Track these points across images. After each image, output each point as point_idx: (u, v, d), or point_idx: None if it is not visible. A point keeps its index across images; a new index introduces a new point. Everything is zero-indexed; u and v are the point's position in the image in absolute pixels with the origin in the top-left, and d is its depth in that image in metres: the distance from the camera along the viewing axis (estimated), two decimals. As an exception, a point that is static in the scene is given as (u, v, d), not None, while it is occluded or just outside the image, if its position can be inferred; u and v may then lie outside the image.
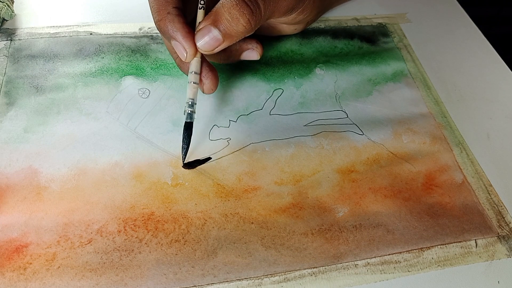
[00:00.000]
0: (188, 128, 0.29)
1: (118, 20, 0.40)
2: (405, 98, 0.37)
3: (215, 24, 0.26)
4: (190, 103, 0.29)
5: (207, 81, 0.30)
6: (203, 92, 0.31)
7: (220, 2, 0.27)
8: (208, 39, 0.27)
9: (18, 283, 0.25)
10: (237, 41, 0.28)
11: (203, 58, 0.29)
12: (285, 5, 0.30)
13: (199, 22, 0.28)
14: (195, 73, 0.29)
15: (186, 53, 0.27)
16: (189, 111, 0.29)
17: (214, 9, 0.27)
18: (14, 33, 0.37)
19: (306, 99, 0.36)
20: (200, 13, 0.28)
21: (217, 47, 0.27)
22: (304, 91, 0.36)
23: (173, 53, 0.31)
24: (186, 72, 0.31)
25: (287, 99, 0.36)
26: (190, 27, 0.27)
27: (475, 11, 0.48)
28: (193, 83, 0.29)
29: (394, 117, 0.36)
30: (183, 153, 0.30)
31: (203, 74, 0.29)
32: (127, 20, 0.40)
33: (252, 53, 0.31)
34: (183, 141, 0.29)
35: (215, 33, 0.26)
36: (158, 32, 0.39)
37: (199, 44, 0.27)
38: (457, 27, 0.45)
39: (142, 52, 0.37)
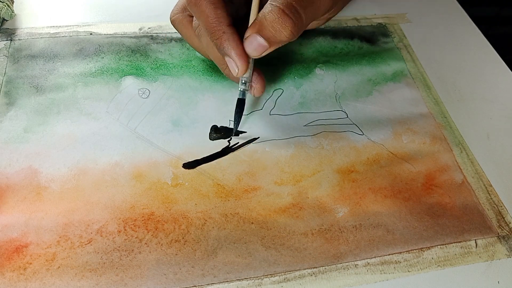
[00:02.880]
0: (240, 104, 0.32)
1: (118, 20, 0.40)
2: (405, 98, 0.37)
3: (260, 33, 0.28)
4: (243, 81, 0.31)
5: (257, 86, 0.32)
6: (253, 95, 0.33)
7: (263, 13, 0.28)
8: (256, 46, 0.28)
9: (18, 283, 0.25)
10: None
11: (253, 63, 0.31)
12: (323, 8, 0.30)
13: (247, 30, 0.29)
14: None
15: (238, 69, 0.29)
16: (241, 88, 0.31)
17: (258, 19, 0.28)
18: (14, 33, 0.37)
19: (306, 99, 0.36)
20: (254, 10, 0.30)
21: (264, 52, 0.29)
22: (304, 91, 0.36)
23: (221, 64, 0.32)
24: (232, 79, 0.33)
25: (287, 99, 0.36)
26: (243, 46, 0.29)
27: (475, 11, 0.48)
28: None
29: (394, 117, 0.36)
30: (235, 126, 0.32)
31: (253, 79, 0.32)
32: (127, 20, 0.40)
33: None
34: (234, 117, 0.32)
35: (260, 40, 0.28)
36: (159, 32, 0.39)
37: (248, 50, 0.29)
38: (457, 27, 0.45)
39: (142, 52, 0.37)
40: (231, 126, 0.33)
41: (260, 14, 0.28)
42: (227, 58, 0.29)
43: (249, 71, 0.31)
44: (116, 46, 0.37)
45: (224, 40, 0.28)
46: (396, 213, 0.30)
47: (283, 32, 0.28)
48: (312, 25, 0.37)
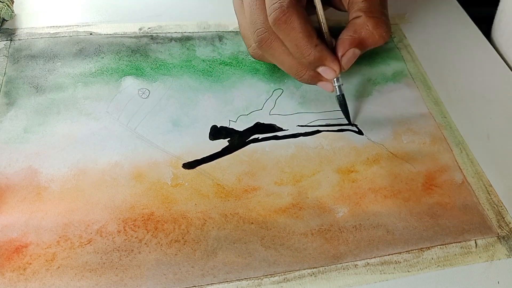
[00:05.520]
0: (342, 101, 0.34)
1: (118, 20, 0.40)
2: (405, 98, 0.37)
3: (358, 46, 0.30)
4: (336, 78, 0.32)
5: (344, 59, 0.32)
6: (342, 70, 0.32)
7: (359, 21, 0.29)
8: (352, 59, 0.31)
9: (18, 283, 0.25)
10: None
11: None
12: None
13: (342, 45, 0.30)
14: None
15: (334, 74, 0.31)
16: (337, 85, 0.33)
17: (355, 29, 0.30)
18: (14, 33, 0.37)
19: (306, 99, 0.36)
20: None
21: (354, 60, 0.31)
22: (304, 91, 0.36)
23: (300, 70, 0.32)
24: (311, 83, 0.33)
25: (287, 99, 0.36)
26: (333, 52, 0.30)
27: (475, 11, 0.48)
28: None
29: (394, 117, 0.36)
30: (348, 120, 0.34)
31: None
32: (127, 20, 0.40)
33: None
34: (343, 113, 0.34)
35: (356, 52, 0.30)
36: (159, 32, 0.39)
37: (344, 64, 0.31)
38: (457, 27, 0.45)
39: (142, 52, 0.37)
40: (231, 126, 0.33)
41: (355, 25, 0.30)
42: (321, 69, 0.30)
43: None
44: (116, 46, 0.37)
45: (318, 52, 0.29)
46: (396, 213, 0.30)
47: (385, 37, 0.29)
48: None
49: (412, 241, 0.28)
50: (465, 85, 0.39)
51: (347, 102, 0.34)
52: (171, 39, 0.39)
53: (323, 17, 0.31)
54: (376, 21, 0.29)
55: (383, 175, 0.32)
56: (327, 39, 0.32)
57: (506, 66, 0.41)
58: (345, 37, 0.30)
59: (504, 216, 0.30)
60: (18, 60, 0.35)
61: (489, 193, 0.32)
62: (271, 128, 0.34)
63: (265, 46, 0.31)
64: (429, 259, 0.28)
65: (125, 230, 0.27)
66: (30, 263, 0.25)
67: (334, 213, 0.29)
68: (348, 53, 0.30)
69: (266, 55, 0.32)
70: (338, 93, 0.33)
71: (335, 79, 0.32)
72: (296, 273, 0.27)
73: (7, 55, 0.35)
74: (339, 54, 0.30)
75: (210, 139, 0.32)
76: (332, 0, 0.34)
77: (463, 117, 0.36)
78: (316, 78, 0.32)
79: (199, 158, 0.31)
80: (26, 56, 0.36)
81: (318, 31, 0.31)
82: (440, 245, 0.29)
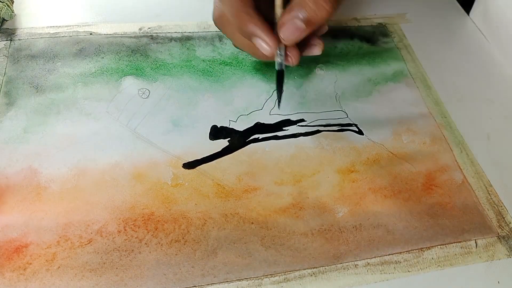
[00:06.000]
0: (279, 76, 0.31)
1: (118, 20, 0.40)
2: (405, 98, 0.37)
3: (299, 14, 0.28)
4: (279, 52, 0.30)
5: (293, 52, 0.31)
6: (291, 65, 0.31)
7: None
8: (293, 30, 0.28)
9: (18, 283, 0.25)
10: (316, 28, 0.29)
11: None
12: None
13: (282, 15, 0.29)
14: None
15: (269, 47, 0.29)
16: (278, 60, 0.30)
17: (296, 1, 0.28)
18: (14, 33, 0.37)
19: (306, 99, 0.36)
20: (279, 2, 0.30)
21: (300, 36, 0.29)
22: (304, 91, 0.36)
23: (250, 50, 0.32)
24: (265, 58, 0.32)
25: (287, 99, 0.36)
26: (269, 24, 0.29)
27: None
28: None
29: (394, 117, 0.36)
30: (278, 99, 0.32)
31: (287, 49, 0.31)
32: (127, 20, 0.40)
33: (315, 48, 0.32)
34: (277, 90, 0.32)
35: (298, 23, 0.28)
36: (159, 32, 0.39)
37: (284, 35, 0.29)
38: (457, 27, 0.45)
39: (142, 52, 0.37)
40: (231, 126, 0.33)
41: None
42: (255, 39, 0.29)
43: (282, 45, 0.30)
44: (116, 46, 0.37)
45: (248, 21, 0.28)
46: (396, 213, 0.30)
47: (325, 6, 0.28)
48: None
49: (412, 241, 0.28)
50: (465, 85, 0.39)
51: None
52: (171, 39, 0.39)
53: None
54: None
55: (383, 175, 0.32)
56: (278, 15, 0.30)
57: (506, 66, 0.41)
58: (287, 8, 0.29)
59: (504, 216, 0.30)
60: (18, 60, 0.35)
61: (489, 193, 0.32)
62: (271, 128, 0.34)
63: (219, 23, 0.32)
64: (429, 259, 0.28)
65: (125, 230, 0.27)
66: (30, 263, 0.25)
67: (334, 213, 0.29)
68: (288, 23, 0.28)
69: (224, 33, 0.33)
70: (277, 67, 0.31)
71: (278, 52, 0.30)
72: (296, 273, 0.27)
73: (7, 55, 0.35)
74: (279, 24, 0.29)
75: (210, 139, 0.32)
76: None
77: (463, 117, 0.36)
78: (261, 58, 0.32)
79: (199, 158, 0.31)
80: (26, 56, 0.36)
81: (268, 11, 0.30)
82: (440, 245, 0.29)
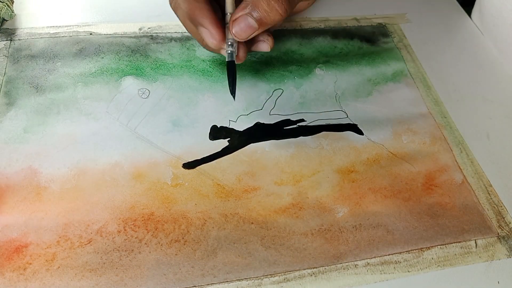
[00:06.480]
0: (231, 68, 0.31)
1: (118, 20, 0.40)
2: (405, 98, 0.37)
3: (252, 13, 0.28)
4: (230, 43, 0.30)
5: (240, 51, 0.31)
6: (236, 61, 0.31)
7: None
8: (245, 27, 0.29)
9: (18, 283, 0.25)
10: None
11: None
12: None
13: (235, 11, 0.29)
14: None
15: (214, 40, 0.29)
16: (229, 51, 0.30)
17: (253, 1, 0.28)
18: (14, 33, 0.37)
19: (306, 99, 0.36)
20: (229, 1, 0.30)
21: (251, 34, 0.29)
22: (304, 91, 0.36)
23: (198, 38, 0.32)
24: (213, 50, 0.32)
25: (287, 99, 0.36)
26: (217, 15, 0.29)
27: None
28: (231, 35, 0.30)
29: (394, 117, 0.36)
30: (230, 89, 0.31)
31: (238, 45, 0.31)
32: (127, 20, 0.40)
33: (263, 45, 0.32)
34: (228, 82, 0.31)
35: (251, 21, 0.28)
36: (159, 32, 0.39)
37: (235, 31, 0.29)
38: (457, 27, 0.45)
39: (142, 52, 0.37)
40: (231, 126, 0.33)
41: None
42: (201, 29, 0.29)
43: (232, 36, 0.30)
44: (116, 46, 0.37)
45: (196, 9, 0.29)
46: (396, 213, 0.30)
47: (278, 10, 0.28)
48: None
49: (412, 241, 0.28)
50: (465, 85, 0.39)
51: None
52: (171, 39, 0.39)
53: None
54: None
55: (383, 175, 0.32)
56: (229, 6, 0.30)
57: (506, 66, 0.41)
58: (241, 4, 0.29)
59: (504, 216, 0.30)
60: (18, 60, 0.35)
61: (489, 193, 0.32)
62: (271, 127, 0.34)
63: (173, 6, 0.32)
64: (429, 259, 0.28)
65: (125, 230, 0.27)
66: (30, 263, 0.25)
67: (334, 213, 0.29)
68: (240, 20, 0.28)
69: (178, 17, 0.33)
70: (227, 58, 0.31)
71: (228, 42, 0.30)
72: (296, 273, 0.27)
73: (7, 55, 0.35)
74: (233, 19, 0.29)
75: (210, 139, 0.32)
76: None
77: (463, 117, 0.36)
78: (209, 49, 0.32)
79: (199, 158, 0.31)
80: (26, 56, 0.36)
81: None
82: (440, 245, 0.29)
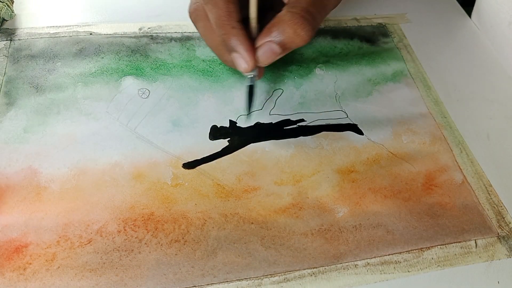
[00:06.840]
0: (250, 91, 0.32)
1: (118, 20, 0.40)
2: (405, 98, 0.37)
3: (277, 39, 0.28)
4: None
5: (260, 70, 0.32)
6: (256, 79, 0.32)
7: (281, 16, 0.28)
8: (269, 53, 0.29)
9: (18, 283, 0.25)
10: None
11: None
12: (331, 7, 0.31)
13: (259, 36, 0.29)
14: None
15: (247, 66, 0.29)
16: (252, 75, 0.31)
17: (275, 23, 0.28)
18: (14, 33, 0.37)
19: (306, 99, 0.36)
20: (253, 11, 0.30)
21: (274, 59, 0.29)
22: (304, 91, 0.36)
23: (218, 51, 0.32)
24: (232, 66, 0.32)
25: (287, 99, 0.36)
26: (251, 41, 0.29)
27: (475, 11, 0.48)
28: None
29: (394, 117, 0.36)
30: (248, 110, 0.33)
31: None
32: (127, 20, 0.40)
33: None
34: (246, 102, 0.32)
35: (274, 48, 0.28)
36: (159, 32, 0.39)
37: (259, 57, 0.29)
38: (457, 27, 0.45)
39: (142, 52, 0.37)
40: (231, 126, 0.33)
41: (277, 19, 0.28)
42: (234, 55, 0.29)
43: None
44: (116, 46, 0.37)
45: (233, 35, 0.28)
46: (396, 213, 0.30)
47: (303, 36, 0.28)
48: None
49: (412, 241, 0.28)
50: (465, 85, 0.39)
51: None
52: (171, 39, 0.39)
53: (254, 9, 0.29)
54: (297, 19, 0.28)
55: (383, 175, 0.32)
56: (253, 31, 0.30)
57: (506, 66, 0.41)
58: (265, 30, 0.29)
59: (504, 216, 0.30)
60: (18, 60, 0.35)
61: (489, 193, 0.32)
62: (271, 128, 0.34)
63: (194, 17, 0.31)
64: (429, 259, 0.28)
65: (125, 230, 0.27)
66: (30, 263, 0.25)
67: (334, 213, 0.29)
68: (264, 46, 0.28)
69: (197, 28, 0.32)
70: (247, 83, 0.31)
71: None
72: (296, 273, 0.27)
73: (7, 55, 0.35)
74: (256, 45, 0.29)
75: (210, 139, 0.32)
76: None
77: (463, 117, 0.36)
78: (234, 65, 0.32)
79: (199, 158, 0.31)
80: (26, 56, 0.36)
81: (247, 22, 0.30)
82: (440, 245, 0.29)
